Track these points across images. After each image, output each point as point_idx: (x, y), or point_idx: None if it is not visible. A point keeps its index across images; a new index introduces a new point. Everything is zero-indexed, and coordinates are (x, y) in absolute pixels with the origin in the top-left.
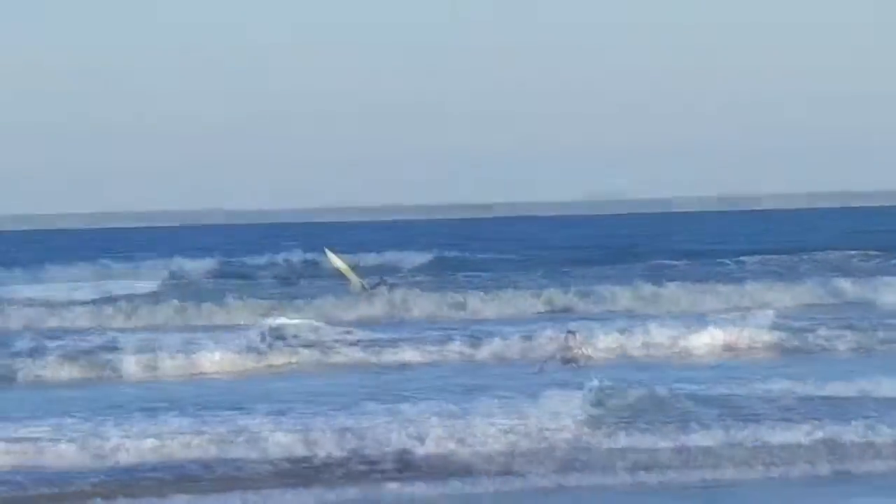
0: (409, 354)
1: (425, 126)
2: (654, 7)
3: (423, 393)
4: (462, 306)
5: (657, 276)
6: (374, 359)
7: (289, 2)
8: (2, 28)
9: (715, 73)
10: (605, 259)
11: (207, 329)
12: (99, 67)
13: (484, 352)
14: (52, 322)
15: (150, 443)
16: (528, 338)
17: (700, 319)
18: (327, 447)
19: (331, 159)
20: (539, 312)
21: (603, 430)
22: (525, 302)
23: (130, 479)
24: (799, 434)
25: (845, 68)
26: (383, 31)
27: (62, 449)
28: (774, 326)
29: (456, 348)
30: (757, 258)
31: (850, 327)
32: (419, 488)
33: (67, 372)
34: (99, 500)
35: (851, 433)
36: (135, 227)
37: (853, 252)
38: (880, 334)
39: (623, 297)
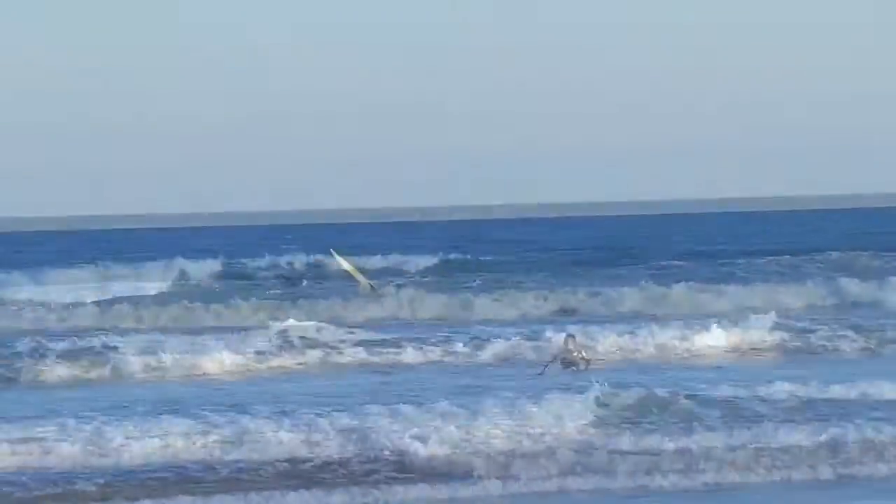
0: (413, 356)
1: (426, 126)
2: (654, 7)
3: (426, 394)
4: (466, 308)
5: (661, 278)
6: (378, 360)
7: (289, 1)
8: (2, 28)
9: (716, 74)
10: (608, 261)
11: (213, 331)
12: (99, 67)
13: (487, 354)
14: (57, 324)
15: (154, 444)
16: (531, 340)
17: (703, 321)
18: (331, 449)
19: (331, 159)
20: (543, 314)
21: (605, 433)
22: (529, 304)
23: (134, 479)
24: (802, 436)
25: (849, 68)
26: (384, 31)
27: (66, 450)
28: (778, 328)
29: (459, 350)
30: (761, 259)
31: (854, 328)
32: (422, 490)
33: (72, 373)
34: (103, 500)
35: (855, 435)
36: (133, 229)
37: (858, 253)
38: (887, 335)
39: (627, 298)
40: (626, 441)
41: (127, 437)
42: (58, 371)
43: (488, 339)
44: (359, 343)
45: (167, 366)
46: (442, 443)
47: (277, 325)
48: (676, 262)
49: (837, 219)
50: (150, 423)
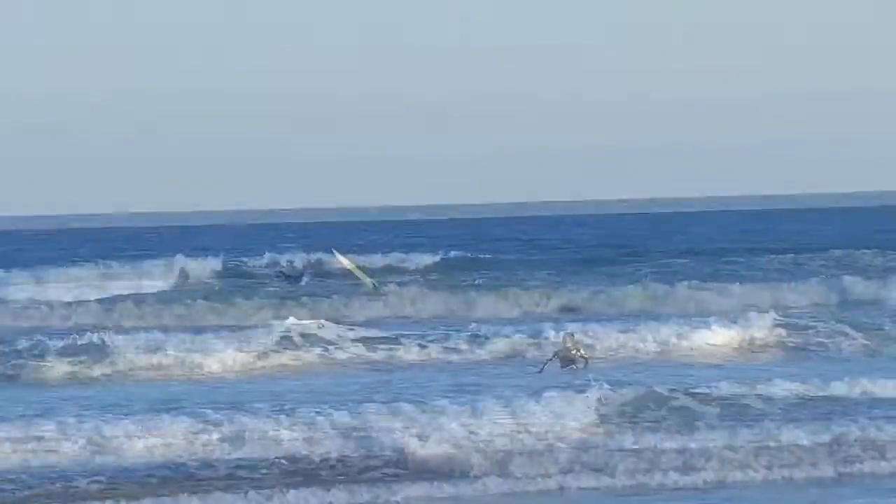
0: (413, 354)
1: (428, 127)
2: (653, 7)
3: (427, 392)
4: (467, 306)
5: (663, 276)
6: (379, 358)
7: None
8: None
9: (717, 74)
10: (609, 258)
11: (214, 329)
12: (99, 66)
13: (487, 352)
14: (58, 322)
15: (154, 442)
16: (531, 338)
17: (704, 319)
18: (331, 447)
19: (332, 159)
20: (543, 312)
21: (605, 431)
22: (530, 302)
23: (135, 477)
24: (803, 434)
25: (852, 66)
26: (384, 31)
27: (67, 448)
28: (779, 326)
29: (459, 348)
30: (763, 257)
31: (856, 326)
32: (422, 488)
33: (72, 371)
34: (103, 498)
35: (857, 433)
36: (130, 228)
37: (860, 251)
38: (888, 333)
39: (628, 296)
40: (625, 439)
41: (127, 436)
42: (58, 369)
43: (488, 337)
44: (359, 341)
45: (168, 364)
46: (442, 441)
47: (278, 324)
48: (678, 260)
49: (840, 217)
50: (151, 421)
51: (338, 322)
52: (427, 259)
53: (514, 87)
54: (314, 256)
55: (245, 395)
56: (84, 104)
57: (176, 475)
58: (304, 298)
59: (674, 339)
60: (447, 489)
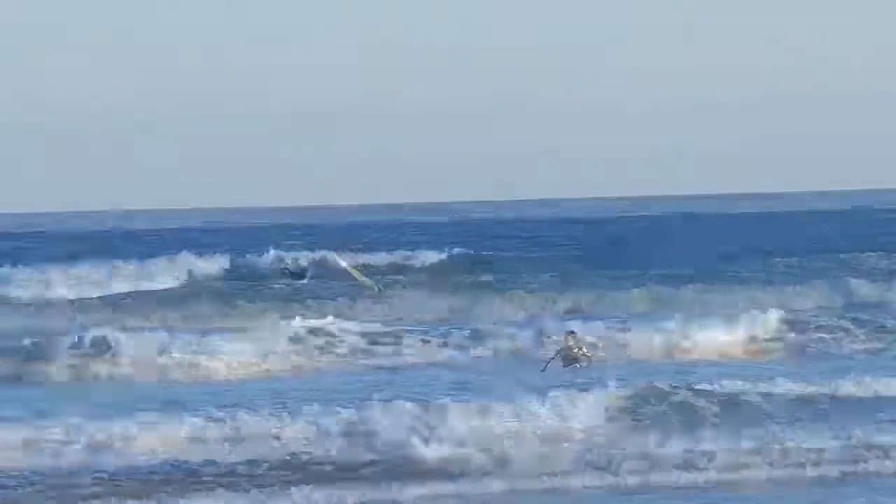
0: (416, 353)
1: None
2: (653, 7)
3: (430, 392)
4: (471, 305)
5: (667, 277)
6: (382, 357)
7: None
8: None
9: (717, 74)
10: (613, 258)
11: (219, 329)
12: (100, 67)
13: (491, 351)
14: (61, 321)
15: (158, 441)
16: (535, 337)
17: (708, 319)
18: (334, 446)
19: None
20: (547, 311)
21: (608, 430)
22: (534, 301)
23: (139, 476)
24: (807, 434)
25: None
26: (384, 31)
27: (70, 447)
28: (784, 326)
29: (463, 347)
30: (769, 259)
31: (860, 326)
32: (426, 487)
33: (76, 370)
34: (106, 497)
35: (860, 434)
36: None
37: (865, 254)
38: (893, 334)
39: (632, 296)
40: (629, 438)
41: (131, 435)
42: (62, 368)
43: (492, 336)
44: (363, 340)
45: (172, 363)
46: (445, 440)
47: (285, 323)
48: (682, 261)
49: (843, 219)
50: (155, 420)
51: (342, 321)
52: (432, 257)
53: (514, 87)
54: (318, 255)
55: (249, 395)
56: (84, 104)
57: (180, 474)
58: (310, 301)
59: (678, 339)
60: (451, 488)
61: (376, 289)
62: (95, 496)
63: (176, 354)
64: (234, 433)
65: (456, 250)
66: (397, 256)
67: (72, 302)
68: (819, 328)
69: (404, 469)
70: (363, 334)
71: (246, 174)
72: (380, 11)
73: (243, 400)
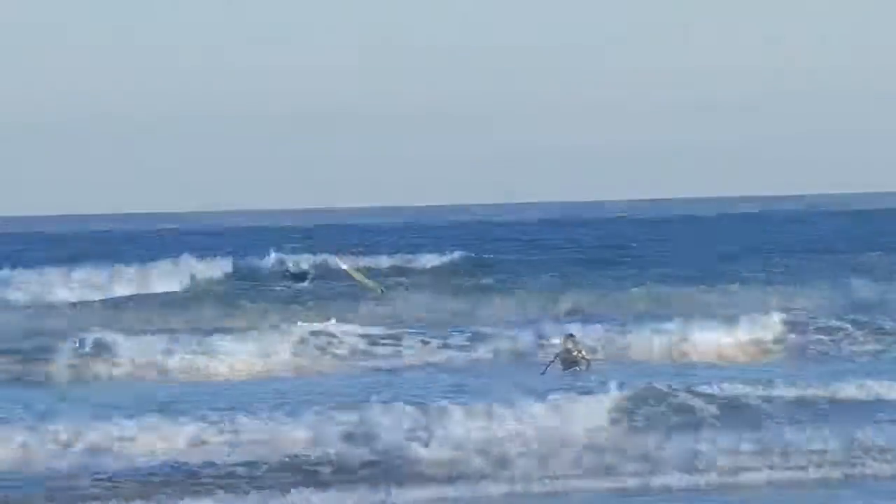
0: (417, 355)
1: (428, 127)
2: (653, 7)
3: (430, 394)
4: (471, 307)
5: (668, 278)
6: (383, 360)
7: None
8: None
9: (717, 74)
10: (613, 260)
11: (220, 331)
12: (100, 67)
13: (491, 353)
14: (62, 323)
15: (159, 443)
16: (535, 340)
17: (708, 320)
18: (333, 448)
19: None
20: (547, 314)
21: (608, 432)
22: (534, 303)
23: (139, 478)
24: (807, 435)
25: (853, 67)
26: (384, 31)
27: (71, 448)
28: (784, 327)
29: (463, 349)
30: (769, 259)
31: (860, 328)
32: (425, 490)
33: (77, 372)
34: (106, 499)
35: (860, 435)
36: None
37: (865, 253)
38: (894, 335)
39: (632, 298)
40: (628, 440)
41: (131, 436)
42: (63, 370)
43: (492, 339)
44: (364, 342)
45: (173, 365)
46: (444, 442)
47: (285, 326)
48: (682, 262)
49: (847, 219)
50: (156, 422)
51: (343, 324)
52: (433, 260)
53: (514, 87)
54: (319, 257)
55: (249, 397)
56: (84, 104)
57: (179, 476)
58: (311, 304)
59: (677, 341)
60: (450, 491)
61: (379, 290)
62: (95, 497)
63: (177, 356)
64: (233, 435)
65: (457, 253)
66: (398, 259)
67: (73, 305)
68: (819, 330)
69: (404, 471)
70: (364, 336)
71: (246, 174)
72: (380, 11)
73: (243, 402)
